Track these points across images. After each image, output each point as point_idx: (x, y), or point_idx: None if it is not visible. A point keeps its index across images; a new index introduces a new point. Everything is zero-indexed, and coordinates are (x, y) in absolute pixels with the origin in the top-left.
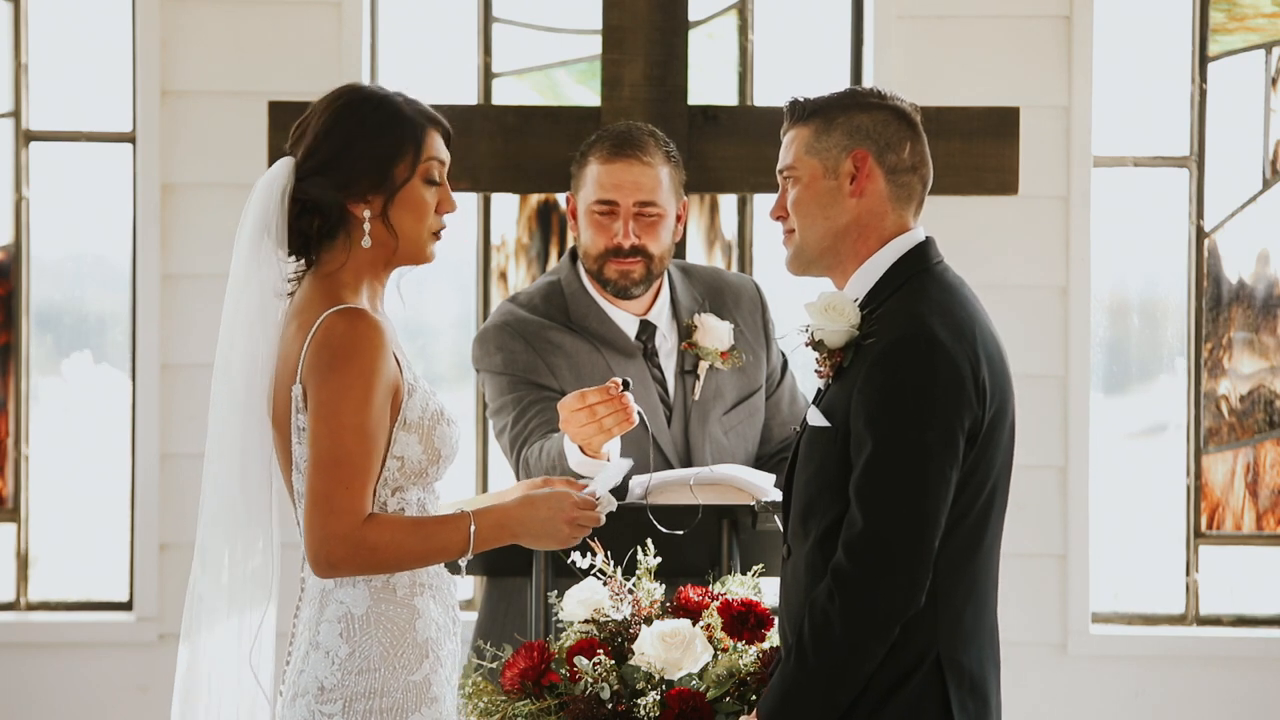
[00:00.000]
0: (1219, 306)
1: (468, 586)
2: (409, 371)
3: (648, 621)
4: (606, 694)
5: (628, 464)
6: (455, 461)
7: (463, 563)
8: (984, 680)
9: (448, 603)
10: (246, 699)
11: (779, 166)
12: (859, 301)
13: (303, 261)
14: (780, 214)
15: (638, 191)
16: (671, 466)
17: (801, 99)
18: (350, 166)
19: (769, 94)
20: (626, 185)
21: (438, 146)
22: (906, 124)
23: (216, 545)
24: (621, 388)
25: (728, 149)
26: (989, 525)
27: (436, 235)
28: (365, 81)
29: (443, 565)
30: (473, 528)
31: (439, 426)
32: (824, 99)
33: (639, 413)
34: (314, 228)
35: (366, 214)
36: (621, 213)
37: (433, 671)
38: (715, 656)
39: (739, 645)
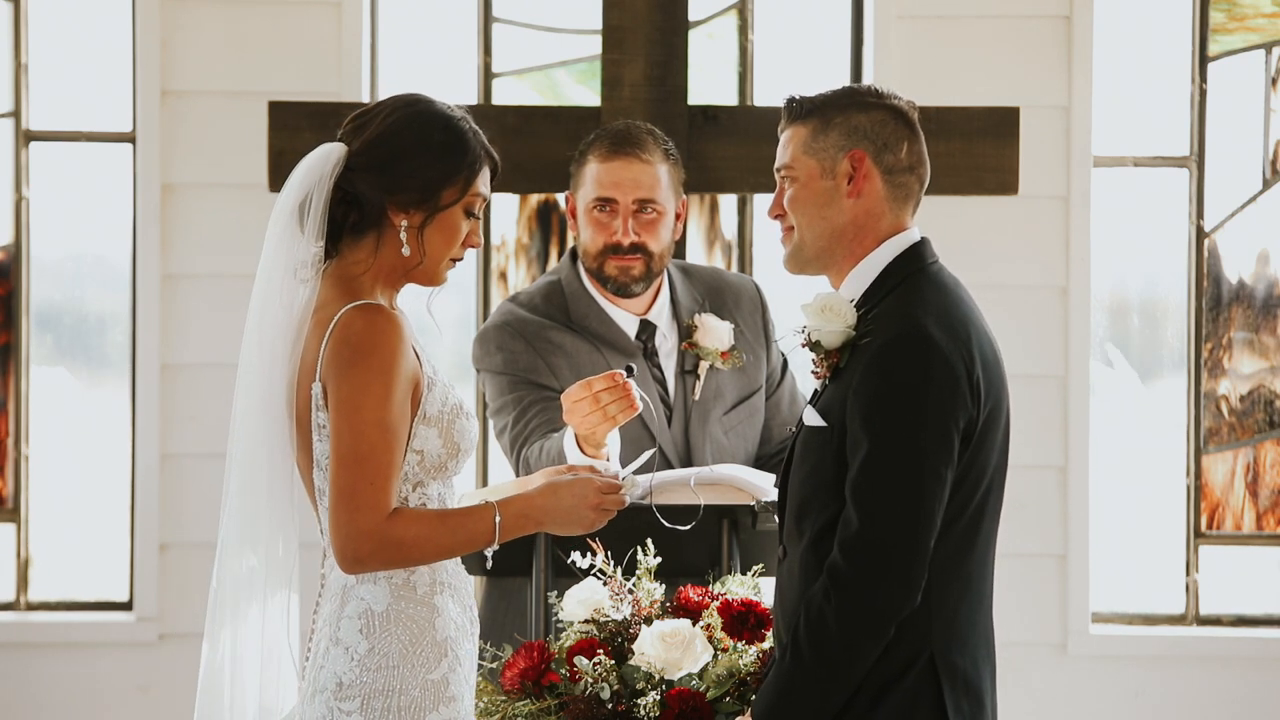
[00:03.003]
0: (1219, 306)
1: None
2: (428, 365)
3: (648, 621)
4: (606, 694)
5: (652, 452)
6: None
7: (489, 554)
8: (978, 680)
9: (466, 602)
10: (270, 691)
11: (776, 165)
12: (855, 301)
13: (323, 250)
14: (778, 213)
15: (637, 189)
16: (672, 466)
17: (799, 98)
18: (404, 174)
19: (769, 94)
20: (625, 183)
21: (485, 182)
22: (904, 123)
23: (239, 538)
24: (626, 375)
25: (728, 149)
26: (983, 525)
27: (453, 263)
28: (365, 82)
29: (461, 564)
30: (498, 518)
31: (458, 420)
32: (821, 98)
33: (641, 397)
34: (348, 220)
35: (404, 224)
36: (620, 210)
37: (451, 671)
38: (715, 656)
39: (739, 645)
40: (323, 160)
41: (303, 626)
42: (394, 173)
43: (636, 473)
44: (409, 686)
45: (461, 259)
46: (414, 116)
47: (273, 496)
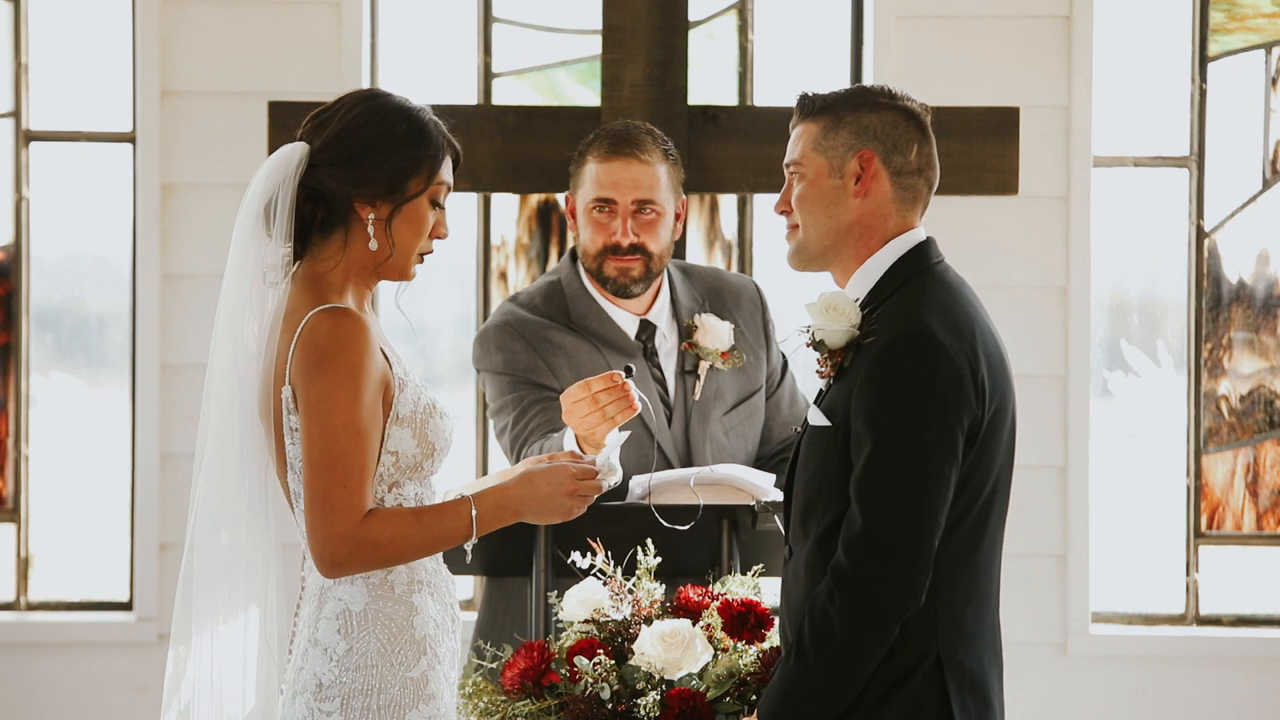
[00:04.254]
0: (1219, 306)
1: (467, 586)
2: (399, 367)
3: (648, 621)
4: (606, 694)
5: (625, 435)
6: (450, 455)
7: (468, 548)
8: (985, 680)
9: (446, 600)
10: (236, 698)
11: (785, 160)
12: (860, 301)
13: (291, 251)
14: (784, 209)
15: (636, 189)
16: (672, 466)
17: (811, 94)
18: (369, 167)
19: (769, 94)
20: (624, 183)
21: (448, 172)
22: (915, 125)
23: (210, 539)
24: (625, 375)
25: (728, 149)
26: (989, 525)
27: (422, 257)
28: (365, 82)
29: (442, 563)
30: (474, 512)
31: (431, 420)
32: (834, 96)
33: (640, 398)
34: (316, 218)
35: (371, 217)
36: (620, 211)
37: (430, 669)
38: (715, 656)
39: (739, 645)
40: (285, 161)
41: (284, 629)
42: (360, 166)
43: (639, 472)
44: (388, 685)
45: (431, 252)
46: (374, 109)
47: (250, 501)
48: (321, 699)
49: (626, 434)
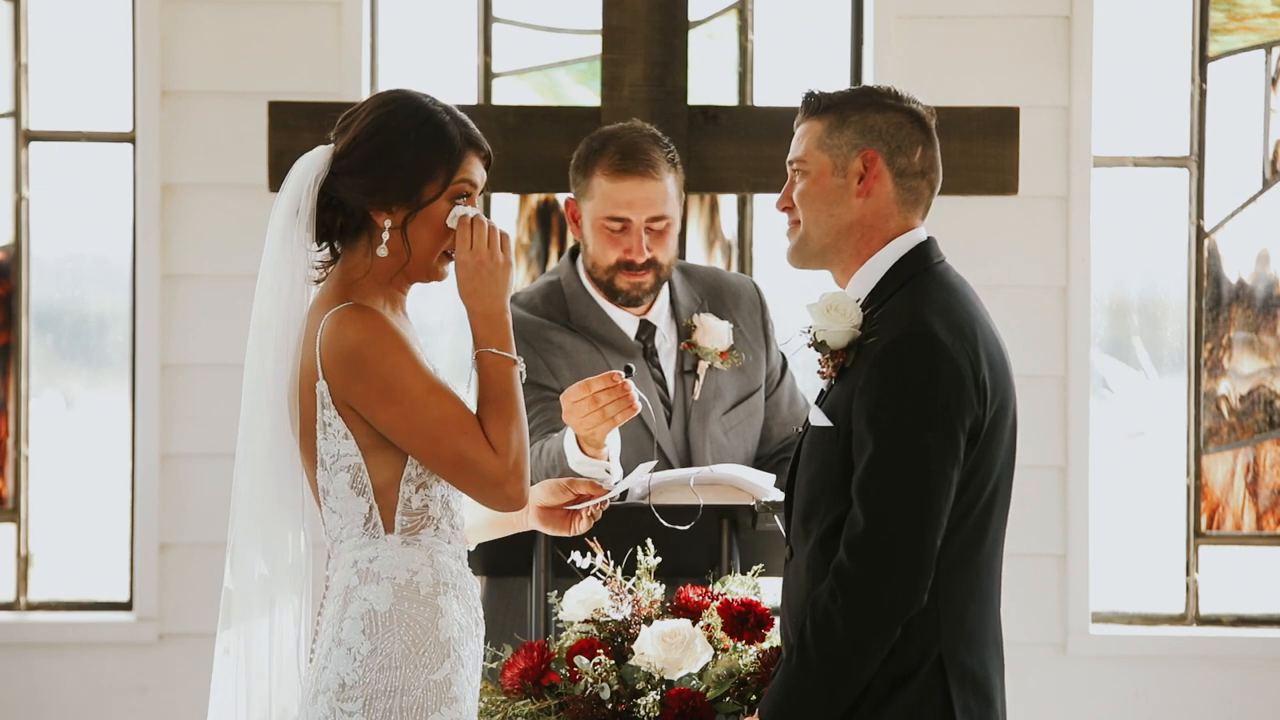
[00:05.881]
0: (1219, 306)
1: None
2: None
3: (648, 621)
4: (606, 694)
5: (652, 464)
6: None
7: (522, 369)
8: (987, 680)
9: (471, 604)
10: (281, 693)
11: (789, 158)
12: (861, 301)
13: (328, 251)
14: (786, 205)
15: (649, 208)
16: (671, 466)
17: (817, 93)
18: (382, 175)
19: (769, 94)
20: (639, 203)
21: (473, 170)
22: (920, 128)
23: (250, 541)
24: (625, 375)
25: (728, 149)
26: (991, 525)
27: (450, 256)
28: (365, 82)
29: (466, 566)
30: (491, 350)
31: None
32: (840, 95)
33: (640, 398)
34: (336, 224)
35: (387, 223)
36: (634, 229)
37: (454, 671)
38: (715, 656)
39: (739, 645)
40: (307, 168)
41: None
42: (373, 174)
43: (633, 468)
44: (411, 687)
45: None
46: (389, 115)
47: (281, 500)
48: (344, 699)
49: (654, 463)
